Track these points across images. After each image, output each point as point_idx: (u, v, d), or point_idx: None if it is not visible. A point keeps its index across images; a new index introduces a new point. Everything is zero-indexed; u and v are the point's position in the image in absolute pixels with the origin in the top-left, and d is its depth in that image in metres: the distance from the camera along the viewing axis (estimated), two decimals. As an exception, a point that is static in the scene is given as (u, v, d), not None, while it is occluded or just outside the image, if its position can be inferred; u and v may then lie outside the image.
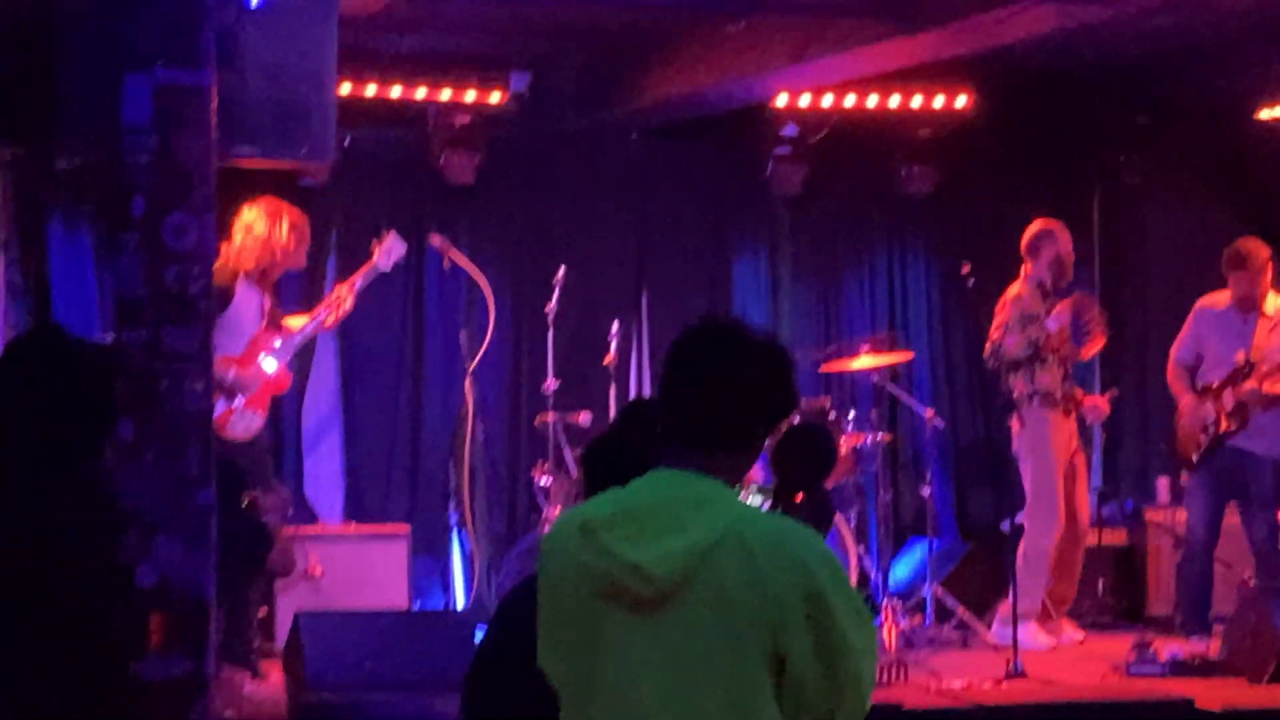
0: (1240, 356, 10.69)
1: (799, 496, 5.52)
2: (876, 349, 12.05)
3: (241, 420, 9.94)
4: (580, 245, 12.57)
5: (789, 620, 3.62)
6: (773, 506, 5.16)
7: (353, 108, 11.60)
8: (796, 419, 9.77)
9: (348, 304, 10.37)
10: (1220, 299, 10.89)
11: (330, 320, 10.41)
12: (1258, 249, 10.73)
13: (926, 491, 12.01)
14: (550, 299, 11.44)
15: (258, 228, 9.98)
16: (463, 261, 10.87)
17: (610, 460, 4.81)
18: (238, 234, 10.00)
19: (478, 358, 10.63)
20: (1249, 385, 10.62)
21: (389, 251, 10.48)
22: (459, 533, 12.07)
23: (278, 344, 10.15)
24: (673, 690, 3.66)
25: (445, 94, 12.18)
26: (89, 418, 4.99)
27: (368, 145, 12.32)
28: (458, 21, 11.42)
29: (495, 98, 12.26)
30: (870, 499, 12.43)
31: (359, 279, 10.45)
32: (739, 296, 13.38)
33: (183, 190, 5.52)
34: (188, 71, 5.64)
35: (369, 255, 10.55)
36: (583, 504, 3.88)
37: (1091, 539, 12.31)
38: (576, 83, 12.53)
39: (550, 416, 11.42)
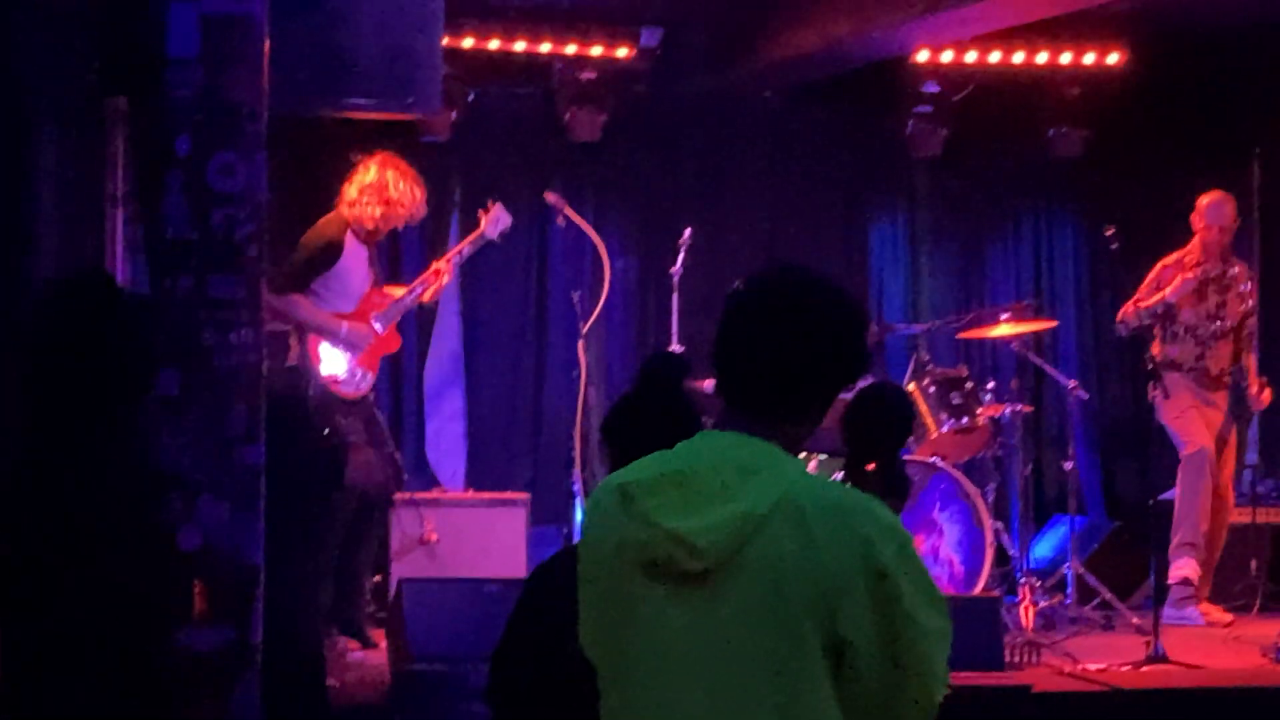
0: None
1: (871, 465, 5.14)
2: (1018, 317, 11.62)
3: (352, 378, 9.72)
4: (708, 207, 12.32)
5: (849, 600, 3.25)
6: (844, 477, 4.75)
7: (476, 62, 11.43)
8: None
9: (445, 278, 10.11)
10: None
11: (428, 295, 10.13)
12: None
13: (1069, 466, 11.58)
14: (676, 261, 11.11)
15: (372, 182, 9.69)
16: (577, 219, 10.58)
17: (633, 423, 4.42)
18: (352, 188, 9.70)
19: (591, 320, 10.33)
20: None
21: (496, 221, 10.24)
22: (581, 502, 11.80)
23: (387, 303, 9.87)
24: (718, 674, 3.31)
25: (571, 49, 11.99)
26: (127, 368, 4.65)
27: (492, 101, 12.14)
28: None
29: (623, 53, 12.07)
30: (1010, 473, 12.04)
31: (466, 247, 10.21)
32: (875, 262, 13.11)
33: (231, 128, 5.19)
34: (237, 1, 5.29)
35: (477, 224, 10.25)
36: (625, 469, 3.47)
37: (1245, 517, 12.03)
38: (708, 38, 12.23)
39: (674, 382, 11.07)
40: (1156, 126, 13.11)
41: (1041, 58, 12.47)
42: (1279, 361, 13.54)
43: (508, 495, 11.43)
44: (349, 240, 9.70)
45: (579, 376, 10.77)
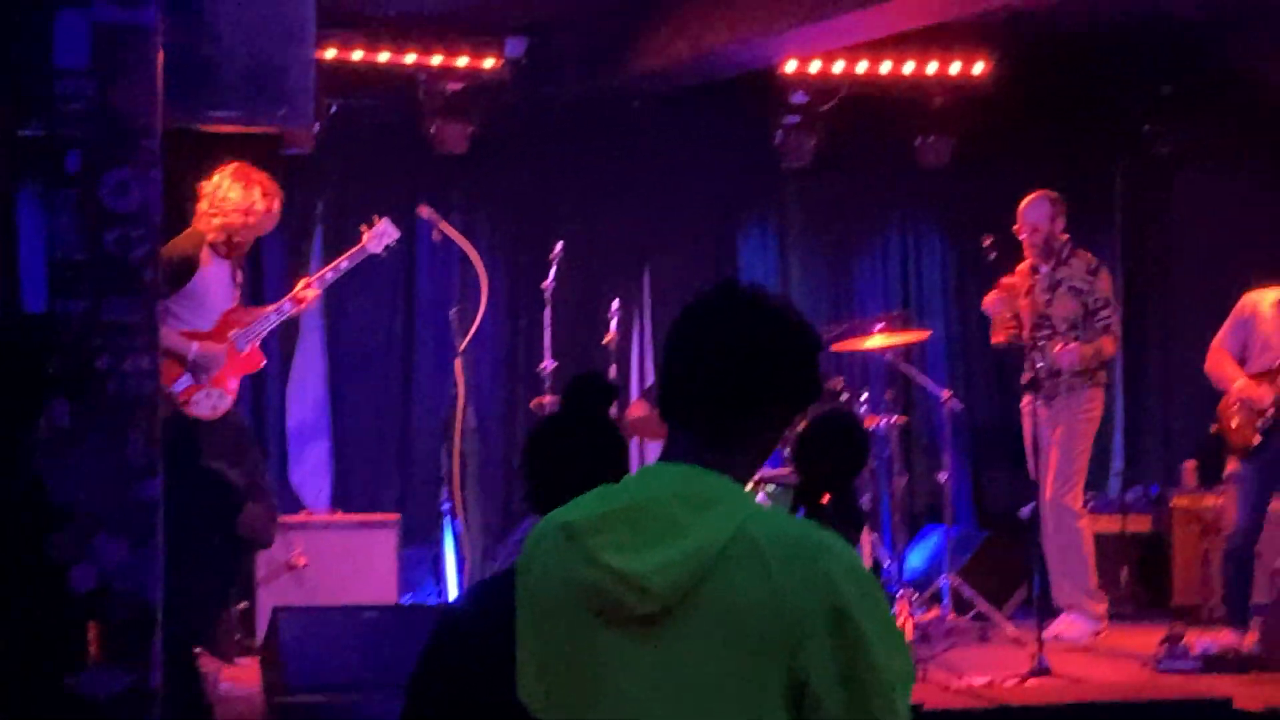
0: None
1: (825, 497, 5.00)
2: (890, 328, 11.57)
3: (208, 399, 9.43)
4: (579, 219, 12.18)
5: (809, 641, 3.06)
6: (794, 508, 4.59)
7: (339, 74, 11.22)
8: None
9: (315, 293, 9.84)
10: (1270, 292, 10.39)
11: (293, 311, 9.87)
12: None
13: (943, 476, 11.57)
14: (547, 275, 10.96)
15: (228, 194, 9.44)
16: (453, 234, 10.38)
17: (555, 451, 4.23)
18: (204, 202, 9.46)
19: (469, 337, 10.16)
20: None
21: (380, 235, 10.00)
22: (451, 522, 11.61)
23: (249, 321, 9.61)
24: (673, 719, 3.12)
25: (436, 59, 11.83)
26: (12, 396, 4.41)
27: (355, 113, 11.91)
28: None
29: (489, 63, 11.91)
30: (884, 484, 12.03)
31: (344, 262, 9.93)
32: (745, 272, 13.04)
33: (124, 144, 4.92)
34: (130, 10, 5.04)
35: (358, 237, 10.03)
36: (567, 505, 3.27)
37: (1114, 525, 12.12)
38: (576, 47, 12.09)
39: (547, 399, 10.99)
40: (1021, 136, 13.14)
41: (908, 67, 12.45)
42: (1136, 362, 13.68)
43: (377, 517, 11.28)
44: (206, 256, 9.42)
45: (456, 394, 10.59)
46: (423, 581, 11.74)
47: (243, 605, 10.19)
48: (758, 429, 3.25)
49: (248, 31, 8.18)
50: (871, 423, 11.17)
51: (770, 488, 9.74)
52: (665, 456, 3.24)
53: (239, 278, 9.71)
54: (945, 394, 11.64)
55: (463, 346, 10.34)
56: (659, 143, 12.67)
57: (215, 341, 9.45)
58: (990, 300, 10.81)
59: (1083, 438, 10.78)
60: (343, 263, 9.95)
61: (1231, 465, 10.45)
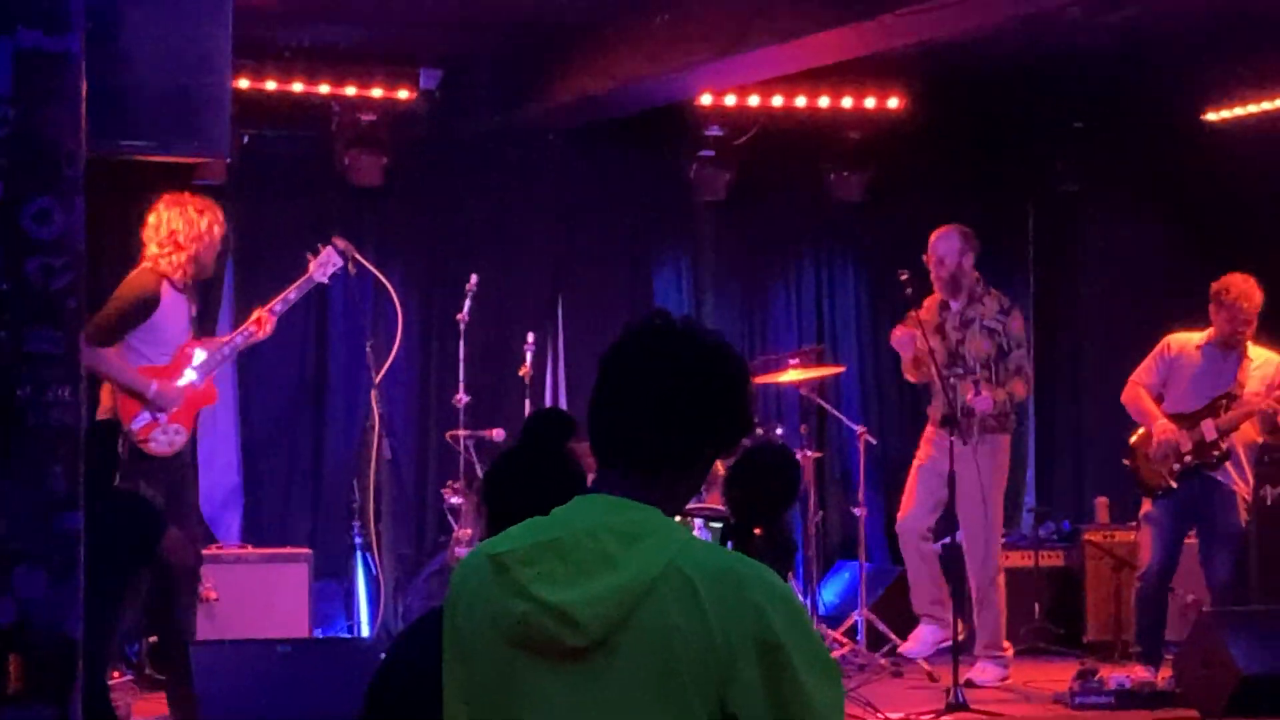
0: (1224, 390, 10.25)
1: (757, 531, 4.97)
2: (805, 362, 11.59)
3: (164, 435, 9.33)
4: (493, 252, 12.12)
5: (740, 672, 3.04)
6: (724, 541, 4.55)
7: (252, 104, 11.12)
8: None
9: (269, 326, 9.75)
10: (1194, 336, 10.40)
11: (245, 344, 9.76)
12: (1254, 287, 10.22)
13: (858, 511, 11.55)
14: (462, 308, 10.91)
15: (175, 226, 9.32)
16: (368, 266, 10.32)
17: (514, 484, 4.17)
18: (158, 235, 9.34)
19: (384, 369, 10.11)
20: (1230, 415, 10.16)
21: (325, 264, 9.95)
22: (363, 555, 11.56)
23: (204, 355, 9.52)
24: None
25: (350, 90, 11.77)
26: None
27: (267, 145, 11.84)
28: (364, 13, 10.92)
29: (404, 95, 11.86)
30: (798, 520, 11.95)
31: (292, 293, 9.85)
32: (659, 305, 12.90)
33: (47, 172, 4.83)
34: (54, 36, 4.96)
35: (304, 267, 9.96)
36: (495, 537, 3.23)
37: (1027, 561, 12.10)
38: (490, 80, 12.04)
39: (461, 432, 10.95)
40: (935, 171, 13.20)
41: (823, 102, 12.46)
42: (1048, 397, 13.73)
43: (288, 550, 11.22)
44: (166, 291, 9.31)
45: (370, 427, 10.52)
46: (334, 616, 11.67)
47: (153, 639, 10.08)
48: (689, 462, 3.22)
49: (163, 60, 8.08)
50: (786, 457, 11.15)
51: (699, 520, 9.70)
52: (596, 488, 3.21)
53: (194, 311, 9.61)
54: (860, 429, 11.67)
55: (378, 379, 10.29)
56: (573, 175, 12.65)
57: (172, 377, 9.36)
58: (898, 335, 10.74)
59: (998, 488, 10.69)
60: (291, 294, 9.86)
61: (1146, 505, 10.46)
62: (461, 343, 10.99)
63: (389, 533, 11.82)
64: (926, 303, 10.79)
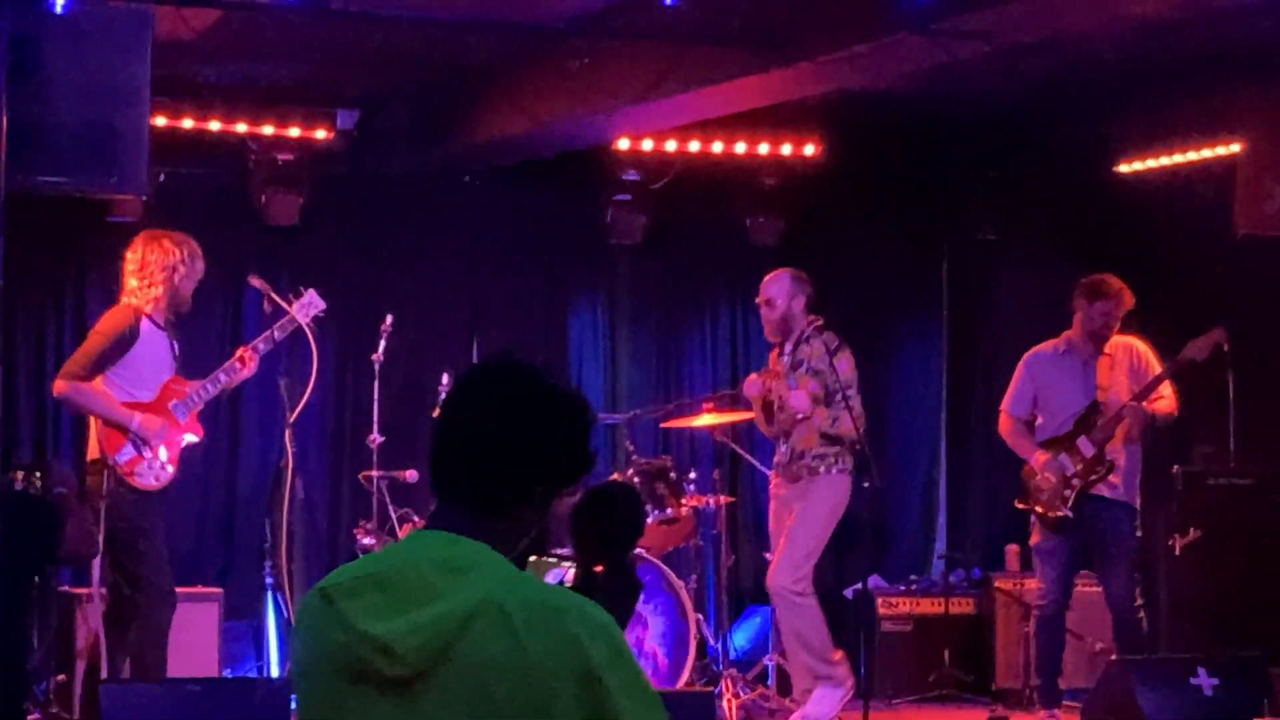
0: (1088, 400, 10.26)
1: (599, 568, 4.97)
2: (719, 406, 11.59)
3: (150, 469, 9.31)
4: (409, 292, 12.11)
5: (559, 703, 3.09)
6: (574, 579, 4.58)
7: (168, 141, 11.05)
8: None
9: (252, 365, 9.70)
10: (1049, 346, 10.44)
11: (229, 382, 9.67)
12: (1121, 283, 10.28)
13: (770, 556, 11.52)
14: (377, 348, 10.85)
15: (148, 259, 9.26)
16: (284, 305, 10.28)
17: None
18: (135, 271, 9.35)
19: (299, 409, 10.04)
20: (1102, 426, 10.17)
21: (306, 306, 9.89)
22: (274, 595, 11.48)
23: (189, 390, 9.51)
24: None
25: (267, 129, 11.74)
26: None
27: (183, 182, 11.77)
28: (281, 52, 10.86)
29: (321, 134, 11.82)
30: (710, 564, 11.95)
31: (275, 332, 9.81)
32: (575, 349, 13.01)
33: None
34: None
35: (286, 308, 9.89)
36: (332, 572, 3.32)
37: (937, 608, 12.08)
38: (408, 120, 12.06)
39: (375, 472, 10.87)
40: (851, 217, 13.27)
41: (740, 147, 12.50)
42: (959, 445, 13.80)
43: (198, 589, 11.08)
44: (145, 327, 9.29)
45: (286, 466, 10.46)
46: (244, 657, 11.61)
47: (60, 677, 9.99)
48: (523, 499, 3.28)
49: (82, 97, 8.07)
50: (699, 502, 11.17)
51: (550, 559, 9.67)
52: (430, 524, 3.28)
53: (176, 349, 9.55)
54: (773, 474, 11.65)
55: (292, 417, 10.24)
56: (490, 217, 12.65)
57: (156, 412, 9.33)
58: (748, 384, 10.66)
59: (816, 521, 10.34)
60: (275, 333, 9.80)
61: (1036, 537, 10.44)
62: (376, 382, 10.94)
63: (300, 573, 11.75)
64: (772, 353, 10.68)
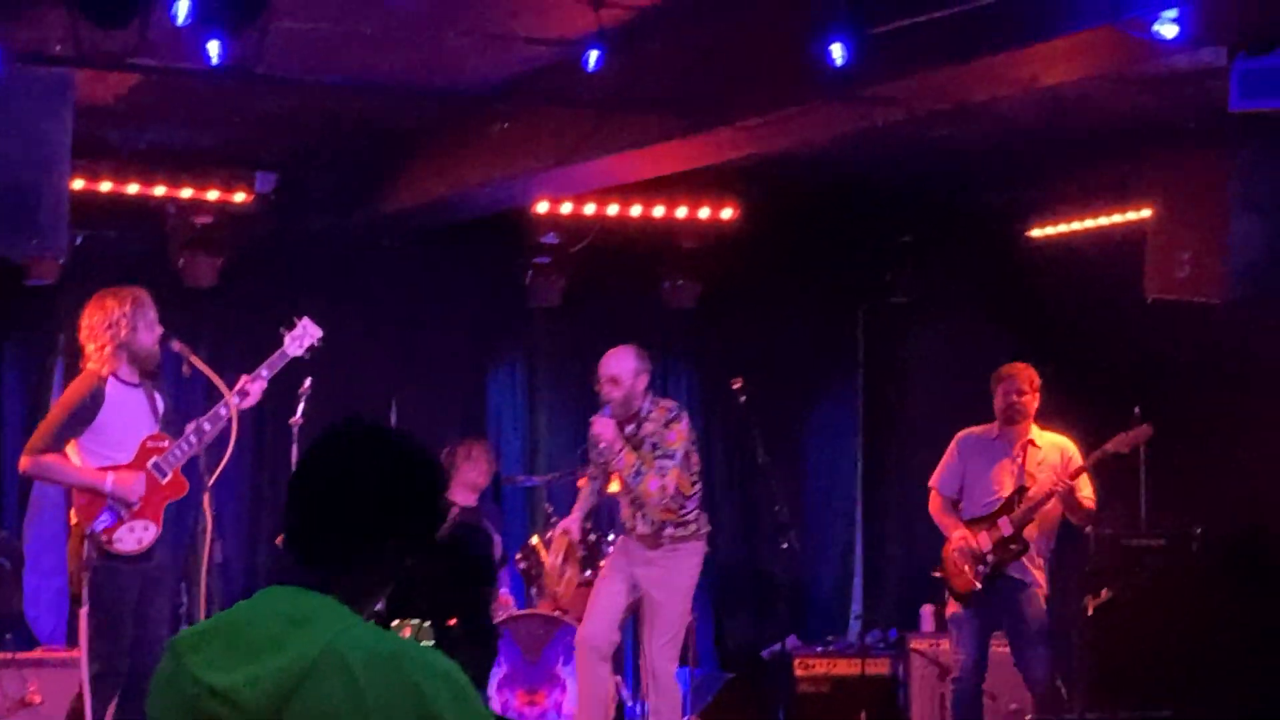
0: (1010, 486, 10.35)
1: (452, 621, 5.05)
2: (638, 468, 11.55)
3: (131, 533, 9.14)
4: (328, 355, 11.95)
5: None
6: (438, 634, 4.63)
7: (86, 204, 11.00)
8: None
9: (235, 410, 9.49)
10: (982, 431, 10.54)
11: (213, 431, 9.52)
12: (1029, 369, 10.41)
13: (689, 618, 11.54)
14: (295, 411, 10.82)
15: (98, 321, 9.17)
16: (203, 368, 10.24)
17: None
18: (87, 336, 9.20)
19: (218, 472, 9.98)
20: (1024, 507, 10.28)
21: (300, 337, 9.78)
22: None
23: (168, 446, 9.33)
24: None
25: (186, 192, 11.71)
26: None
27: (102, 244, 11.73)
28: (200, 116, 10.87)
29: (240, 197, 11.80)
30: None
31: (264, 369, 9.67)
32: (494, 411, 13.03)
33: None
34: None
35: (278, 342, 9.81)
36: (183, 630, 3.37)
37: (854, 669, 12.11)
38: (327, 183, 12.08)
39: (294, 535, 10.78)
40: (767, 280, 13.34)
41: (658, 211, 12.58)
42: (874, 506, 13.87)
43: (115, 655, 10.97)
44: (112, 389, 9.13)
45: (204, 530, 10.41)
46: (161, 721, 11.47)
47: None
48: (370, 554, 3.35)
49: (3, 161, 8.06)
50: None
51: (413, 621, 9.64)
52: (279, 580, 3.34)
53: (158, 404, 9.41)
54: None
55: (210, 481, 10.19)
56: (409, 279, 12.65)
57: (131, 470, 9.16)
58: (600, 424, 10.33)
59: (683, 595, 10.19)
60: (263, 371, 9.67)
61: (952, 607, 10.55)
62: (295, 446, 10.91)
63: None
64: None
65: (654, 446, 10.08)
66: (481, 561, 6.46)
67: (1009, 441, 10.38)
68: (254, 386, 9.54)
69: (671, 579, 10.08)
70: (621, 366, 10.20)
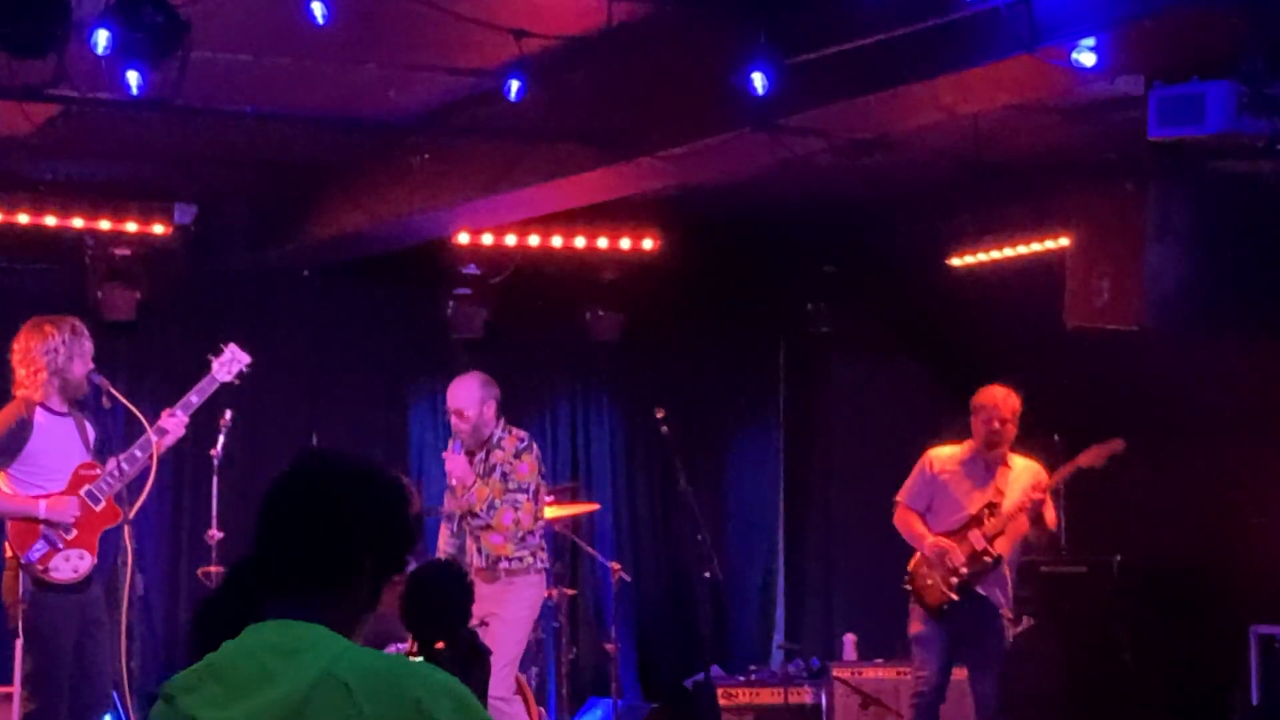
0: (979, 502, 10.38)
1: (439, 645, 5.03)
2: (560, 499, 11.62)
3: (67, 562, 9.03)
4: (248, 387, 11.90)
5: None
6: (427, 660, 4.60)
7: (3, 237, 10.97)
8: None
9: (169, 437, 9.41)
10: (954, 449, 10.55)
11: (145, 457, 9.41)
12: (1010, 394, 10.42)
13: (612, 648, 11.58)
14: (215, 444, 10.77)
15: (33, 348, 9.08)
16: (122, 401, 10.18)
17: (221, 626, 4.22)
18: (19, 362, 9.11)
19: (138, 504, 9.91)
20: (995, 521, 10.30)
21: (228, 363, 9.71)
22: (113, 694, 11.28)
23: (101, 474, 9.22)
24: None
25: (104, 224, 11.65)
26: None
27: (19, 277, 11.70)
28: (119, 148, 10.83)
29: (158, 230, 11.75)
30: (550, 656, 11.95)
31: (193, 396, 9.59)
32: (416, 443, 12.99)
33: None
34: None
35: (206, 368, 9.74)
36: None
37: (777, 698, 12.12)
38: (247, 215, 12.05)
39: (214, 568, 10.77)
40: (690, 311, 13.35)
41: (579, 242, 12.57)
42: (797, 535, 13.89)
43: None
44: (41, 417, 9.04)
45: (125, 563, 10.34)
46: (81, 757, 11.38)
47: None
48: (348, 578, 3.31)
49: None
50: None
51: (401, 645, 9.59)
52: (264, 616, 3.30)
53: (90, 430, 9.32)
54: (614, 566, 11.70)
55: (132, 513, 10.12)
56: (330, 311, 12.63)
57: (64, 495, 9.05)
58: (451, 460, 10.13)
59: (519, 625, 9.97)
60: (192, 397, 9.58)
61: (917, 626, 10.51)
62: (215, 478, 10.87)
63: (139, 670, 11.59)
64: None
65: (504, 476, 9.96)
66: (463, 583, 6.38)
67: (984, 464, 10.41)
68: (172, 423, 9.42)
69: (505, 611, 9.83)
70: (466, 397, 10.06)
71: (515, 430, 10.16)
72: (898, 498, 10.59)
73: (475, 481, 9.90)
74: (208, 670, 3.23)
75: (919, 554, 10.47)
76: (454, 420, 10.07)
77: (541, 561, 10.10)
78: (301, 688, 3.13)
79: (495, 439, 10.03)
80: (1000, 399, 10.36)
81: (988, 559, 10.29)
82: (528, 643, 11.05)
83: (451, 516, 10.19)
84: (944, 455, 10.56)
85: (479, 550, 9.96)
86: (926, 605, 10.41)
